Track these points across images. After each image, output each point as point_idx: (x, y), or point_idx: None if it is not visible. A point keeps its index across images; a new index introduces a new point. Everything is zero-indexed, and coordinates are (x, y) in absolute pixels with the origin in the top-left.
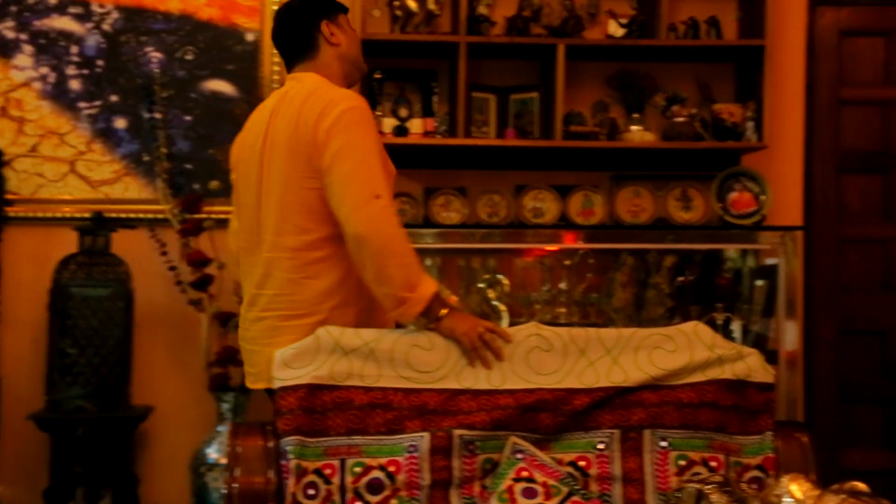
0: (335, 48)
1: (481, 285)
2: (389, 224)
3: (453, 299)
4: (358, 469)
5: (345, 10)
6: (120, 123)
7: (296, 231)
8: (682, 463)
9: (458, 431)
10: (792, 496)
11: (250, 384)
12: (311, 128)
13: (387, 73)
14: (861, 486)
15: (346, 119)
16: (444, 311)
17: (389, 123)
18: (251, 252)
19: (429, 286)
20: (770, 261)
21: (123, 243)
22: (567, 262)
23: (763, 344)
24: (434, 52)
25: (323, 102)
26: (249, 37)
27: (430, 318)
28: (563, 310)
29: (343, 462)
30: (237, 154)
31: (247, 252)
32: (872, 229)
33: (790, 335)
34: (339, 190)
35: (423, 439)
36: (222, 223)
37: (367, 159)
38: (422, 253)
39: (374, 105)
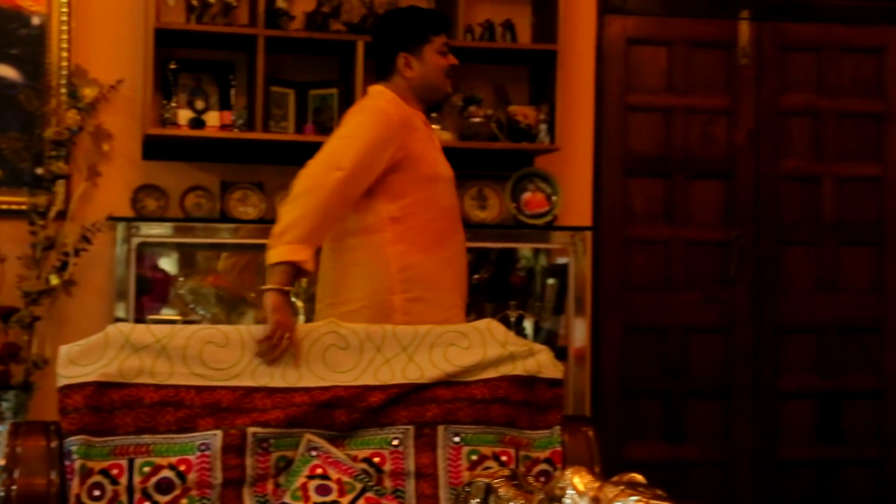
0: (408, 81)
1: None
2: (324, 190)
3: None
4: (147, 469)
5: (436, 33)
6: None
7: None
8: (474, 458)
9: (251, 429)
10: (574, 488)
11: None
12: None
13: (182, 63)
14: (638, 477)
15: (354, 109)
16: (274, 286)
17: (185, 115)
18: None
19: (289, 251)
20: (561, 260)
21: None
22: None
23: (553, 341)
24: (232, 45)
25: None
26: (35, 20)
27: (266, 280)
28: None
29: (131, 462)
30: None
31: None
32: (656, 231)
33: (579, 332)
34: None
35: (215, 437)
36: (4, 214)
37: (346, 139)
38: (218, 248)
39: (168, 96)
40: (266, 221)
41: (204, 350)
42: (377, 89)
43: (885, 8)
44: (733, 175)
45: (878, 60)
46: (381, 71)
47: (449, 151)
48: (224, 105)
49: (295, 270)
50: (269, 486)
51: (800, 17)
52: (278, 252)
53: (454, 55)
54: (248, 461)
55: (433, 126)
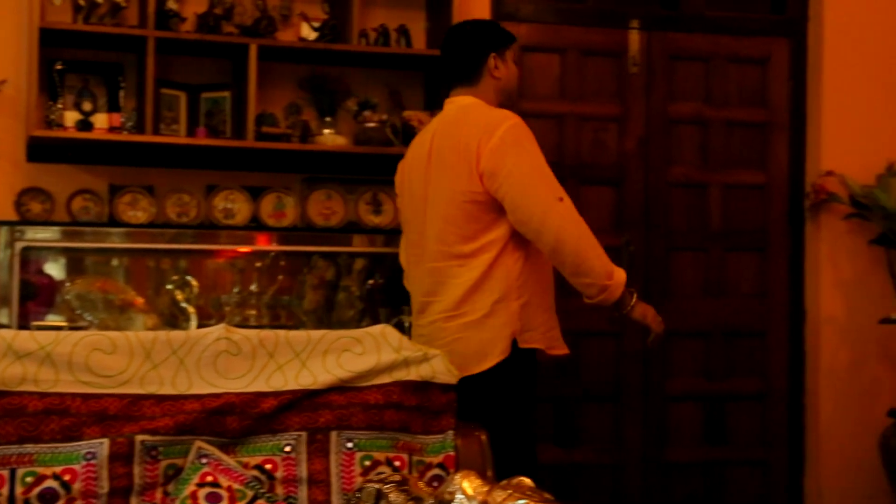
0: (496, 80)
1: (170, 287)
2: (578, 222)
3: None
4: (30, 479)
5: (513, 40)
6: None
7: (461, 240)
8: (368, 463)
9: (140, 437)
10: (463, 492)
11: None
12: (475, 148)
13: (69, 64)
14: (527, 481)
15: (509, 138)
16: (635, 299)
17: (72, 117)
18: (417, 264)
19: (621, 273)
20: None
21: None
22: (258, 264)
23: None
24: (121, 46)
25: (483, 123)
26: None
27: (623, 305)
28: (253, 312)
29: (13, 472)
30: (401, 178)
31: (414, 264)
32: None
33: None
34: (522, 202)
35: (101, 446)
36: None
37: (540, 168)
38: (108, 253)
39: (54, 98)
40: (156, 226)
41: (90, 357)
42: (466, 100)
43: (770, 20)
44: (623, 182)
45: (763, 71)
46: (467, 74)
47: (343, 156)
48: (113, 107)
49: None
50: (158, 495)
51: (688, 28)
52: (617, 284)
53: (349, 59)
54: (136, 469)
55: (326, 130)
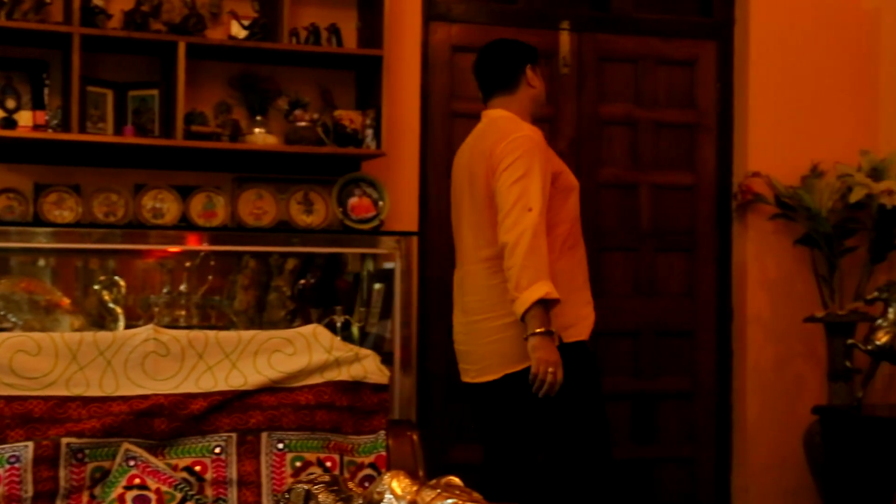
0: (531, 90)
1: (97, 287)
2: (527, 230)
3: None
4: None
5: (539, 55)
6: None
7: (488, 244)
8: (298, 464)
9: (65, 440)
10: (392, 492)
11: (471, 379)
12: (489, 154)
13: None
14: (455, 480)
15: (514, 144)
16: (540, 329)
17: None
18: (457, 267)
19: (534, 292)
20: (388, 265)
21: None
22: (188, 264)
23: (380, 346)
24: (45, 42)
25: (504, 131)
26: None
27: (528, 326)
28: (182, 312)
29: None
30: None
31: (456, 267)
32: None
33: (405, 337)
34: (501, 201)
35: (26, 449)
36: None
37: (529, 176)
38: (33, 253)
39: None
40: (83, 225)
41: (14, 358)
42: (497, 113)
43: (697, 23)
44: None
45: (691, 73)
46: (507, 84)
47: (274, 155)
48: (37, 104)
49: (543, 307)
50: (84, 498)
51: (617, 30)
52: (523, 301)
53: (280, 58)
54: (62, 473)
55: (256, 129)
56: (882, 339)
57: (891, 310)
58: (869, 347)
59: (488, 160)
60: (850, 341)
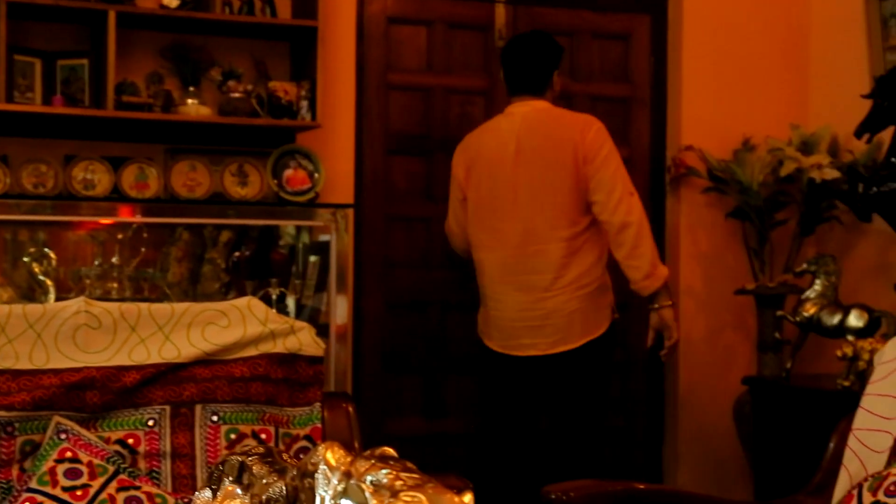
0: (553, 92)
1: (26, 259)
2: (643, 215)
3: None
4: None
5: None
6: None
7: (570, 224)
8: (233, 436)
9: None
10: (326, 463)
11: (541, 351)
12: (578, 142)
13: None
14: (390, 451)
15: (603, 134)
16: (670, 302)
17: None
18: (498, 248)
19: (664, 269)
20: (323, 237)
21: None
22: (120, 236)
23: (315, 318)
24: None
25: (579, 121)
26: None
27: (657, 300)
28: (115, 285)
29: None
30: (468, 171)
31: (491, 248)
32: (417, 208)
33: (341, 309)
34: (607, 187)
35: None
36: None
37: (621, 164)
38: None
39: None
40: (12, 196)
41: None
42: (543, 105)
43: None
44: None
45: (625, 47)
46: (536, 87)
47: (208, 127)
48: None
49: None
50: (14, 472)
51: (553, 3)
52: (658, 276)
53: (213, 27)
54: None
55: (189, 100)
56: (810, 310)
57: (818, 282)
58: (797, 319)
59: (577, 148)
60: (779, 313)
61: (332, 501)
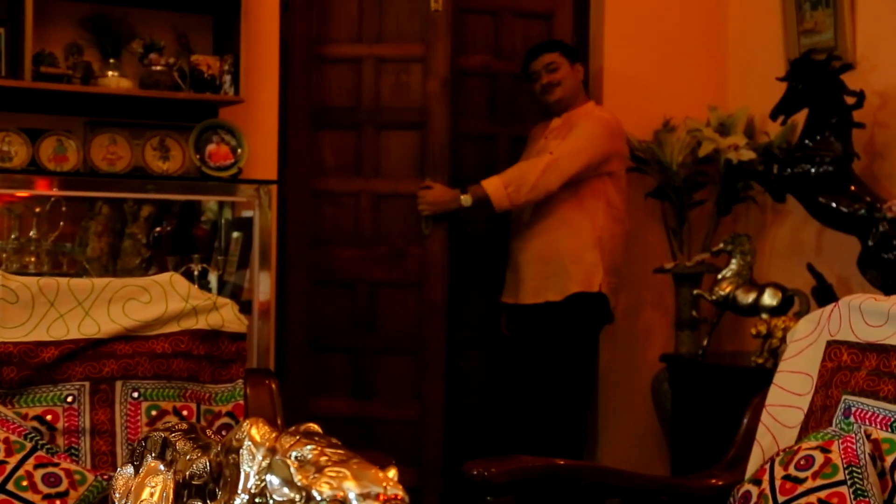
0: None
1: None
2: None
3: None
4: None
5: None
6: None
7: None
8: (154, 413)
9: None
10: (251, 439)
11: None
12: None
13: None
14: (314, 427)
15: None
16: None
17: None
18: None
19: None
20: (247, 213)
21: None
22: (38, 210)
23: (238, 294)
24: None
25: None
26: None
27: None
28: (32, 259)
29: None
30: None
31: None
32: (345, 184)
33: (264, 286)
34: None
35: None
36: None
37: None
38: None
39: None
40: None
41: None
42: None
43: None
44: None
45: (548, 26)
46: None
47: (129, 100)
48: None
49: None
50: None
51: None
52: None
53: None
54: None
55: (110, 72)
56: (726, 289)
57: (734, 261)
58: (714, 298)
59: None
60: (696, 292)
61: (257, 477)
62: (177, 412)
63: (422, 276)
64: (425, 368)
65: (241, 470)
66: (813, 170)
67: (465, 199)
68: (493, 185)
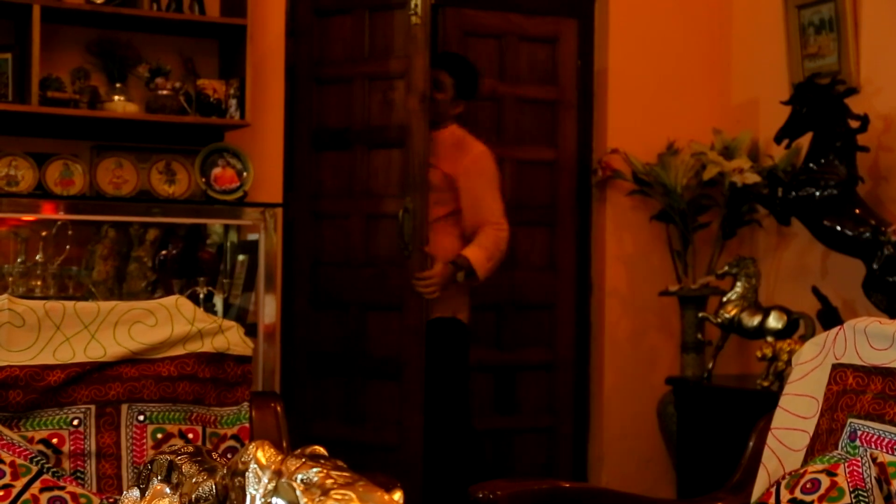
0: None
1: None
2: None
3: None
4: None
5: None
6: None
7: None
8: (160, 436)
9: None
10: (257, 462)
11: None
12: None
13: None
14: (320, 449)
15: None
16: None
17: None
18: None
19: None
20: (252, 236)
21: None
22: (44, 234)
23: (243, 317)
24: None
25: None
26: None
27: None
28: (38, 283)
29: None
30: None
31: None
32: (339, 205)
33: (269, 309)
34: None
35: None
36: None
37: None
38: None
39: None
40: None
41: None
42: None
43: (559, 1)
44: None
45: (553, 50)
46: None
47: (136, 124)
48: None
49: None
50: None
51: (481, 6)
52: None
53: (140, 24)
54: None
55: (116, 97)
56: (731, 312)
57: (739, 284)
58: (719, 320)
59: None
60: (701, 314)
61: (263, 500)
62: (182, 435)
63: (402, 299)
64: (406, 394)
65: (247, 493)
66: (817, 193)
67: (460, 277)
68: (478, 260)
